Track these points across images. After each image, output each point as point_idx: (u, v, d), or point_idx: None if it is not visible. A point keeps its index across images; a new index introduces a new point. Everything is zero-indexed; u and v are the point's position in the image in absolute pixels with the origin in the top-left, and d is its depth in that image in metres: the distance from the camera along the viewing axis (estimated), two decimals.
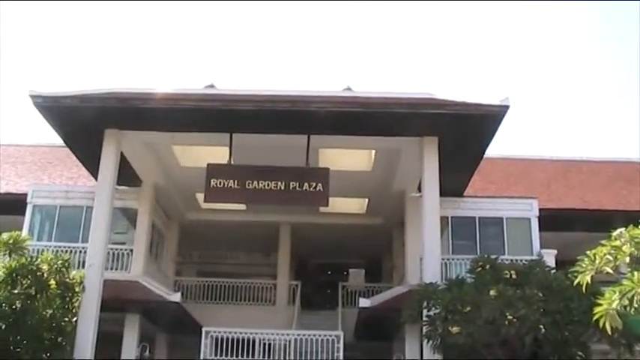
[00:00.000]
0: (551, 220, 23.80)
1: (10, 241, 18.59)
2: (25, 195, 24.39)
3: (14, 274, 17.81)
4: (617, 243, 8.19)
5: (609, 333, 11.48)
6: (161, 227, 27.53)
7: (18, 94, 68.80)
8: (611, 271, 7.70)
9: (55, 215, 24.32)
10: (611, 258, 7.82)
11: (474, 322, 16.48)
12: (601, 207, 25.76)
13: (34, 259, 18.44)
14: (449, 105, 19.31)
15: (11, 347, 17.54)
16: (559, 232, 23.93)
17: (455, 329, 16.66)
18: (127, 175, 22.74)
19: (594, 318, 7.73)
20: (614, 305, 7.37)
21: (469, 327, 16.42)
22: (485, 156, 21.67)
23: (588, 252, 8.09)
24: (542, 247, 22.36)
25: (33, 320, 17.51)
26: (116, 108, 19.80)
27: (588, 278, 7.81)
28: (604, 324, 7.49)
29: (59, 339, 18.53)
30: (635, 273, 7.60)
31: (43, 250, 20.17)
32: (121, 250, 24.21)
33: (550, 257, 21.02)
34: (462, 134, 19.77)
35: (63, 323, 18.62)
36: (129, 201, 24.69)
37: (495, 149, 24.63)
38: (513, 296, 16.40)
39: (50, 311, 18.23)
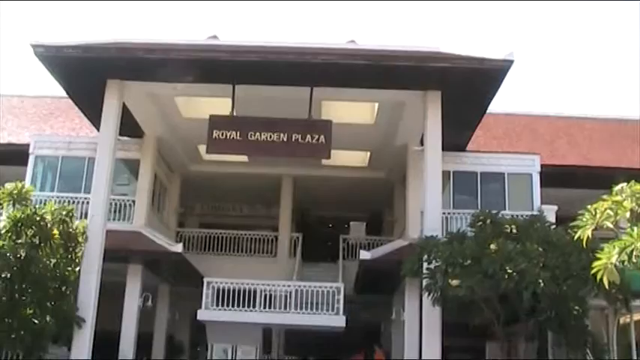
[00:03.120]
0: (553, 177, 23.84)
1: (14, 192, 18.68)
2: (28, 146, 24.41)
3: (18, 225, 17.94)
4: (618, 198, 8.22)
5: (607, 288, 11.62)
6: (163, 179, 27.60)
7: (20, 44, 68.43)
8: (611, 225, 7.74)
9: (57, 166, 24.37)
10: (611, 213, 7.86)
11: (474, 275, 16.62)
12: (603, 164, 25.74)
13: (38, 210, 18.55)
14: (453, 59, 19.21)
15: (16, 295, 17.76)
16: (560, 188, 23.96)
17: (455, 282, 16.81)
18: (129, 127, 22.73)
19: (592, 272, 7.80)
20: (612, 260, 7.43)
21: (469, 280, 16.57)
22: (488, 112, 21.62)
23: (589, 206, 8.13)
24: (543, 203, 22.42)
25: (37, 269, 17.68)
26: (118, 58, 19.72)
27: (588, 232, 7.86)
28: (602, 278, 7.55)
29: (63, 288, 18.75)
30: (635, 228, 7.64)
31: (45, 201, 20.26)
32: (123, 201, 24.31)
33: (550, 213, 21.10)
34: (465, 89, 19.70)
35: (66, 273, 18.84)
36: (131, 152, 24.70)
37: (499, 105, 24.59)
38: (513, 251, 16.51)
39: (54, 261, 18.40)
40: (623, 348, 18.41)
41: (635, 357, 18.13)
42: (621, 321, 18.58)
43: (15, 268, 17.48)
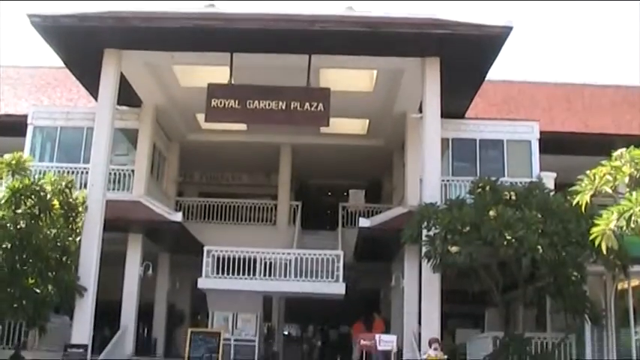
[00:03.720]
0: (552, 144, 23.83)
1: (13, 162, 18.68)
2: (25, 117, 24.34)
3: (18, 195, 17.96)
4: (618, 163, 8.22)
5: (605, 254, 11.67)
6: (162, 148, 27.58)
7: (17, 14, 67.93)
8: (610, 190, 7.75)
9: (55, 136, 24.34)
10: (610, 178, 7.86)
11: (473, 242, 16.69)
12: (602, 131, 25.71)
13: (37, 180, 18.57)
14: (452, 25, 19.11)
15: (18, 265, 17.84)
16: (559, 155, 23.95)
17: (454, 249, 16.88)
18: (127, 96, 22.67)
19: (591, 239, 7.83)
20: (611, 225, 7.44)
21: (468, 247, 16.64)
22: (487, 79, 21.56)
23: (588, 172, 8.14)
24: (542, 170, 22.44)
25: (38, 240, 17.75)
26: (115, 27, 19.62)
27: (587, 198, 7.87)
28: (600, 244, 7.59)
29: (64, 258, 18.83)
30: (634, 193, 7.65)
31: (44, 172, 20.27)
32: (122, 170, 24.31)
33: (550, 180, 21.14)
34: (464, 55, 19.62)
35: (67, 243, 18.92)
36: (129, 121, 24.65)
37: (498, 73, 24.52)
38: (512, 217, 16.56)
39: (54, 231, 18.47)
40: (621, 314, 18.53)
41: (632, 322, 18.26)
42: (619, 287, 18.66)
43: (15, 239, 17.55)
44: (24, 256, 17.87)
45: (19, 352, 19.18)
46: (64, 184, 19.20)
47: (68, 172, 21.66)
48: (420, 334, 19.84)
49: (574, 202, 8.28)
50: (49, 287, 18.13)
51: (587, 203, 8.00)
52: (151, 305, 26.36)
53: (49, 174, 19.56)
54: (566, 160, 23.03)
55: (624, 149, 8.74)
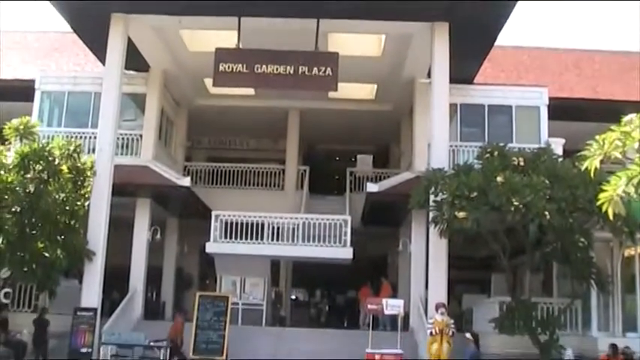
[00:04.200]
0: (561, 110, 23.69)
1: (21, 127, 18.76)
2: (33, 81, 24.30)
3: (26, 159, 18.03)
4: (627, 129, 8.16)
5: (612, 220, 11.64)
6: (170, 113, 27.55)
7: None
8: (619, 156, 7.69)
9: (63, 101, 24.32)
10: (619, 143, 7.79)
11: (480, 207, 16.69)
12: (612, 97, 25.51)
13: (45, 145, 18.62)
14: None
15: (27, 230, 17.97)
16: (568, 121, 23.83)
17: (461, 215, 16.89)
18: (134, 61, 22.62)
19: (598, 204, 7.80)
20: (618, 191, 7.41)
21: (475, 213, 16.65)
22: (496, 44, 21.40)
23: (597, 137, 8.09)
24: (550, 136, 22.34)
25: (46, 204, 17.86)
26: None
27: (596, 163, 7.81)
28: (607, 210, 7.56)
29: (72, 222, 18.95)
30: None
31: (52, 136, 20.31)
32: (130, 135, 24.31)
33: (558, 146, 21.07)
34: (473, 20, 19.46)
35: (76, 207, 19.01)
36: (137, 86, 24.60)
37: (507, 38, 24.29)
38: (520, 183, 16.54)
39: (63, 195, 18.57)
40: (627, 280, 18.60)
41: (638, 289, 18.32)
42: (626, 253, 18.72)
43: (24, 203, 17.66)
44: (33, 220, 18.00)
45: (44, 314, 19.39)
46: (72, 148, 19.25)
47: (76, 137, 21.67)
48: (426, 299, 19.96)
49: (582, 168, 8.23)
50: (59, 251, 18.29)
51: (595, 169, 7.95)
52: (159, 270, 26.55)
53: (57, 139, 19.60)
54: (574, 126, 22.91)
55: (634, 115, 8.68)
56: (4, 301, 18.62)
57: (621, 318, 18.38)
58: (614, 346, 16.59)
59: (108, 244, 19.84)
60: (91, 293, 19.34)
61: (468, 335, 17.97)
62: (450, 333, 17.60)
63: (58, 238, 18.60)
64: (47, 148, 18.55)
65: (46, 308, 19.67)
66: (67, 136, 21.26)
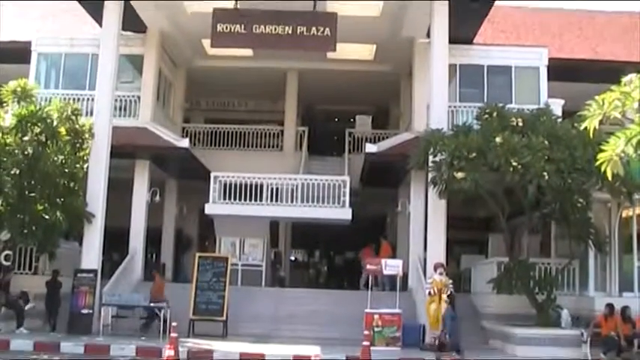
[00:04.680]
0: (561, 71, 23.54)
1: (18, 89, 18.67)
2: (29, 43, 24.09)
3: (24, 122, 17.99)
4: (627, 89, 8.13)
5: (611, 180, 11.67)
6: (168, 74, 27.38)
7: None
8: (619, 115, 7.67)
9: (60, 63, 24.18)
10: (619, 103, 7.77)
11: (479, 168, 16.73)
12: (613, 58, 25.32)
13: (43, 107, 18.56)
14: None
15: (26, 192, 17.99)
16: (568, 82, 23.68)
17: (460, 175, 16.92)
18: (131, 22, 22.44)
19: (597, 163, 7.81)
20: (617, 151, 7.41)
21: (474, 173, 16.68)
22: (497, 4, 21.19)
23: (597, 97, 8.05)
24: (550, 97, 22.25)
25: (45, 166, 17.86)
26: None
27: (595, 123, 7.79)
28: (605, 171, 7.56)
29: (72, 184, 18.98)
30: None
31: (50, 98, 20.22)
32: (128, 97, 24.18)
33: (557, 107, 20.99)
34: None
35: (75, 169, 19.02)
36: (135, 47, 24.40)
37: None
38: (519, 144, 16.55)
39: (61, 157, 18.57)
40: (625, 241, 18.68)
41: (636, 249, 18.42)
42: (624, 214, 18.78)
43: (23, 165, 17.67)
44: (32, 183, 18.02)
45: (56, 276, 19.46)
46: (69, 110, 19.20)
47: (74, 99, 21.61)
48: (425, 260, 20.05)
49: (581, 128, 8.21)
50: (58, 213, 18.33)
51: (594, 129, 7.94)
52: (159, 231, 26.61)
53: (55, 101, 19.52)
54: (574, 87, 22.78)
55: (634, 75, 8.65)
56: (5, 263, 18.70)
57: (618, 278, 18.49)
58: (610, 306, 16.72)
59: (107, 206, 19.88)
60: (91, 255, 19.43)
61: (443, 296, 18.12)
62: (448, 293, 17.72)
63: (58, 200, 18.64)
64: (45, 111, 18.49)
65: (58, 270, 19.69)
66: (65, 99, 21.20)
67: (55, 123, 18.60)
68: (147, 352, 15.57)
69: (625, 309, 16.72)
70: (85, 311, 18.67)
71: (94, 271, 19.17)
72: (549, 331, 17.27)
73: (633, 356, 16.09)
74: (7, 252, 18.64)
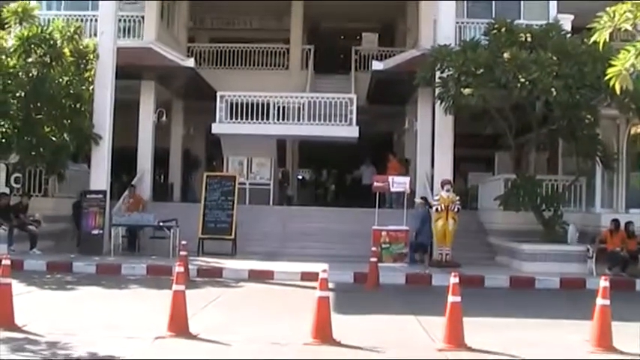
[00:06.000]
0: None
1: (20, 10, 18.43)
2: None
3: (27, 43, 17.84)
4: (639, 1, 7.95)
5: (619, 95, 11.56)
6: None
7: None
8: (629, 27, 7.50)
9: None
10: (630, 15, 7.59)
11: (487, 84, 16.59)
12: None
13: (45, 28, 18.37)
14: None
15: (33, 115, 17.99)
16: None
17: (467, 91, 16.81)
18: None
19: (606, 78, 7.69)
20: (627, 65, 7.28)
21: (481, 89, 16.56)
22: None
23: (608, 9, 7.87)
24: (559, 12, 21.79)
25: (50, 88, 17.80)
26: None
27: (606, 35, 7.62)
28: (614, 86, 7.46)
29: (77, 106, 18.94)
30: None
31: (53, 19, 19.98)
32: (131, 17, 23.83)
33: (567, 22, 20.56)
34: None
35: (80, 91, 18.96)
36: None
37: None
38: (527, 59, 16.36)
39: (67, 79, 18.48)
40: (633, 158, 18.63)
41: None
42: (632, 131, 18.67)
43: (28, 87, 17.60)
44: (38, 105, 17.99)
45: (82, 201, 19.51)
46: (72, 30, 18.99)
47: (77, 20, 21.29)
48: (432, 177, 20.11)
49: (591, 41, 8.05)
50: (65, 135, 18.36)
51: (604, 41, 7.78)
52: (166, 151, 26.68)
53: (58, 21, 19.30)
54: (584, 4, 22.26)
55: None
56: (15, 185, 18.85)
57: (625, 195, 18.53)
58: (616, 221, 16.83)
59: (114, 127, 19.87)
60: (100, 176, 19.52)
61: (418, 199, 18.31)
62: (456, 209, 17.85)
63: (64, 122, 18.64)
64: (48, 31, 18.30)
65: (84, 192, 19.82)
66: (68, 19, 20.90)
67: (58, 44, 18.43)
68: (157, 269, 15.81)
69: (628, 224, 16.84)
70: (95, 232, 18.83)
71: (103, 192, 19.27)
72: (555, 247, 17.44)
73: (638, 271, 16.27)
74: (16, 174, 18.76)
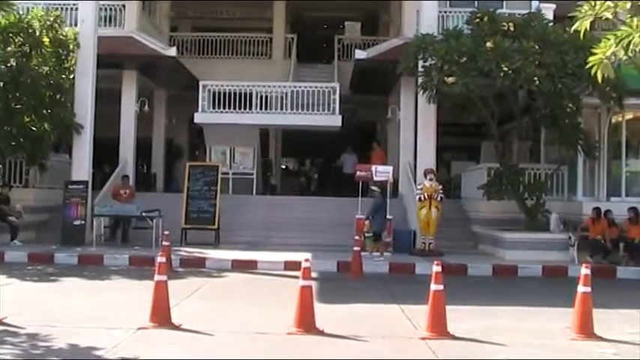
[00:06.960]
0: None
1: None
2: None
3: (5, 32, 17.65)
4: None
5: (601, 84, 11.62)
6: None
7: None
8: (610, 16, 7.52)
9: None
10: (611, 4, 7.62)
11: (470, 73, 16.60)
12: None
13: (24, 17, 18.17)
14: None
15: (12, 104, 17.82)
16: None
17: (450, 80, 16.81)
18: None
19: (587, 67, 7.72)
20: (608, 53, 7.30)
21: (464, 77, 16.56)
22: None
23: None
24: (541, 1, 21.84)
25: (30, 77, 17.62)
26: None
27: (587, 24, 7.64)
28: (596, 74, 7.48)
29: (58, 96, 18.77)
30: (635, 19, 7.46)
31: (32, 8, 19.76)
32: (113, 5, 23.63)
33: (549, 11, 20.62)
34: None
35: (61, 80, 18.78)
36: None
37: None
38: (509, 48, 16.40)
39: (46, 69, 18.30)
40: (614, 146, 18.76)
41: (624, 155, 18.53)
42: (613, 120, 18.80)
43: (7, 77, 17.42)
44: (17, 95, 17.81)
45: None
46: (52, 19, 18.80)
47: (57, 9, 21.06)
48: (415, 166, 20.13)
49: (572, 29, 8.06)
50: (46, 125, 18.20)
51: (586, 30, 7.80)
52: (149, 141, 26.52)
53: (37, 9, 19.10)
54: None
55: None
56: None
57: (606, 183, 18.67)
58: (597, 210, 16.93)
59: (96, 117, 19.72)
60: (82, 166, 19.40)
61: (373, 187, 18.34)
62: (439, 198, 17.87)
63: (45, 112, 18.47)
64: (26, 20, 18.10)
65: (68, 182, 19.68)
66: (47, 8, 20.67)
67: (37, 33, 18.24)
68: (140, 260, 15.75)
69: (607, 212, 16.95)
70: (77, 222, 18.69)
71: (85, 183, 19.15)
72: (538, 235, 17.54)
73: (619, 259, 16.39)
74: None
